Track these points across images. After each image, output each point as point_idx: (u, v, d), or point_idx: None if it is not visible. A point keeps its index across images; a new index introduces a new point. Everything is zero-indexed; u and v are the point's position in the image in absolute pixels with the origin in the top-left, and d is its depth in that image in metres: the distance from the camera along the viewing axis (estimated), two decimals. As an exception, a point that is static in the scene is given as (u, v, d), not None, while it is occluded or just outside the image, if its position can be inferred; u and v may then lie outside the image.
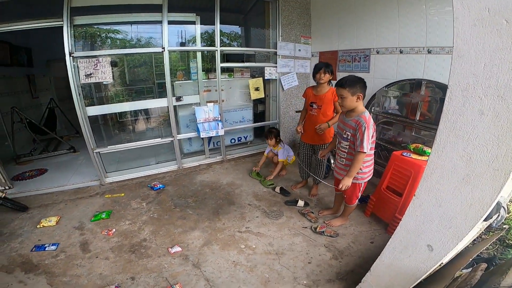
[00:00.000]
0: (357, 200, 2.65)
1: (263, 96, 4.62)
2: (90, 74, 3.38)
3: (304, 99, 3.27)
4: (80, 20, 3.35)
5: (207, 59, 4.39)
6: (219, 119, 4.13)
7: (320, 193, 3.51)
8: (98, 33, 4.13)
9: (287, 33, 4.54)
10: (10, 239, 2.70)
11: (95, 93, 4.29)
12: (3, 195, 2.88)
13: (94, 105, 3.81)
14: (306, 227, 2.80)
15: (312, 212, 3.02)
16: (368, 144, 2.22)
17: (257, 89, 4.45)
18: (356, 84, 2.21)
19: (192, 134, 4.20)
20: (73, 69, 3.29)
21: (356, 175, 2.37)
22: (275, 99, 4.72)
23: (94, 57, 3.38)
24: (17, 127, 5.00)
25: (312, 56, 4.81)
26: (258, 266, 2.32)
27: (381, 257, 1.75)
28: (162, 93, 4.80)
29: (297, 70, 4.74)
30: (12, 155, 4.75)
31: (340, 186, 2.34)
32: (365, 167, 2.42)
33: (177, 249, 2.52)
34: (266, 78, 4.52)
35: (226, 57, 4.29)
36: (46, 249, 2.55)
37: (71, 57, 3.25)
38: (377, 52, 3.66)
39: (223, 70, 4.27)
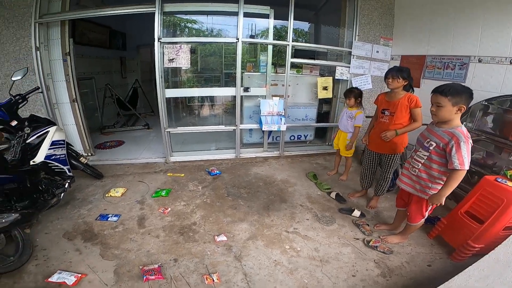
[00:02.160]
0: (422, 220, 2.23)
1: (330, 96, 4.19)
2: (173, 59, 3.46)
3: (376, 106, 2.83)
4: (169, 7, 3.42)
5: (276, 53, 4.14)
6: (283, 114, 3.86)
7: (380, 206, 3.04)
8: (180, 22, 4.23)
9: (365, 33, 4.04)
10: (81, 205, 2.84)
11: (171, 77, 4.43)
12: (86, 161, 3.08)
13: (169, 88, 3.87)
14: (357, 239, 2.46)
15: (368, 225, 2.64)
16: (468, 160, 1.77)
17: (325, 88, 4.04)
18: (461, 94, 1.77)
19: (254, 126, 4.02)
20: (159, 54, 3.41)
21: (427, 191, 2.03)
22: (343, 100, 4.23)
23: (177, 43, 3.45)
24: (107, 101, 5.53)
25: (392, 59, 4.21)
26: (299, 270, 2.09)
27: (449, 283, 1.55)
28: (228, 83, 4.79)
29: (372, 72, 4.19)
30: (98, 125, 5.23)
31: (430, 203, 2.03)
32: (441, 184, 1.99)
33: (222, 238, 2.40)
34: (336, 78, 4.09)
35: (296, 53, 3.98)
36: (109, 219, 2.61)
37: (159, 42, 3.36)
38: (479, 61, 2.99)
39: (292, 65, 3.99)
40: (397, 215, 2.59)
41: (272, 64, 3.93)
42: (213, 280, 1.96)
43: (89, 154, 3.99)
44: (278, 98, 3.85)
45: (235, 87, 3.71)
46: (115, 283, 1.92)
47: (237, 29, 3.50)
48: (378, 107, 2.78)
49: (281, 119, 3.82)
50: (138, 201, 2.94)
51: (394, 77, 2.46)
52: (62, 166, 2.55)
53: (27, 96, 2.48)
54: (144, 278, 1.93)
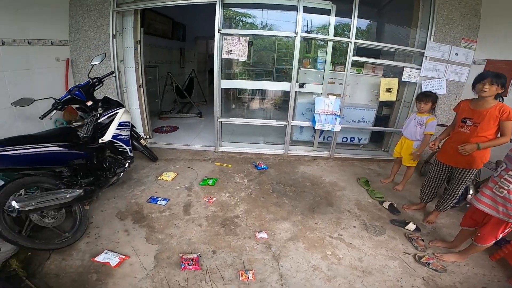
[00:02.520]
0: (493, 242, 1.98)
1: (394, 99, 3.81)
2: (231, 50, 3.48)
3: (455, 113, 2.45)
4: (229, -1, 3.44)
5: (336, 50, 3.89)
6: (338, 114, 3.62)
7: (439, 222, 2.71)
8: (239, 15, 4.21)
9: (442, 34, 3.56)
10: (135, 186, 3.01)
11: (226, 69, 4.47)
12: (145, 143, 3.28)
13: (224, 79, 3.91)
14: (408, 253, 2.25)
15: (422, 240, 2.39)
16: None
17: (388, 90, 3.68)
18: None
19: (305, 123, 3.86)
20: (218, 44, 3.44)
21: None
22: (408, 105, 3.84)
23: (235, 35, 3.45)
24: (167, 89, 5.86)
25: (474, 63, 3.64)
26: (338, 279, 1.97)
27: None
28: (280, 78, 4.69)
29: (447, 76, 3.68)
30: (157, 110, 5.57)
31: None
32: None
33: (263, 235, 2.33)
34: (402, 79, 3.69)
35: (357, 51, 3.67)
36: (158, 202, 2.72)
37: (219, 33, 3.39)
38: None
39: (352, 64, 3.68)
40: (460, 234, 2.31)
41: (330, 61, 3.70)
42: (248, 277, 1.91)
43: (148, 136, 4.27)
44: (335, 97, 3.62)
45: (290, 82, 3.60)
46: (154, 268, 1.97)
47: (296, 24, 3.37)
48: (458, 115, 2.40)
49: (336, 119, 3.60)
50: (186, 187, 3.03)
51: (492, 83, 2.06)
52: (125, 146, 2.73)
53: (103, 80, 2.67)
54: (182, 266, 1.95)
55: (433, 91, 3.18)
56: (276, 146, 4.04)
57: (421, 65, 3.63)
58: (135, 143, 3.10)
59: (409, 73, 3.66)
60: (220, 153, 3.94)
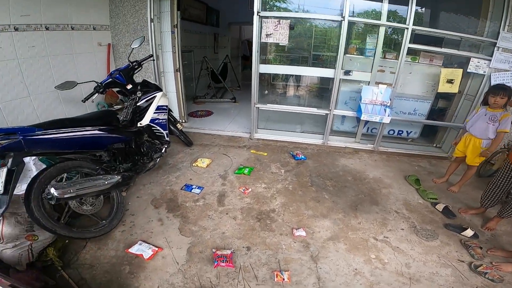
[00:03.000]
0: None
1: (455, 91, 3.28)
2: (270, 34, 3.20)
3: None
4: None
5: (388, 36, 3.42)
6: (388, 104, 3.21)
7: (499, 229, 2.33)
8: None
9: (518, 24, 2.97)
10: (170, 172, 2.92)
11: (262, 54, 4.18)
12: (181, 128, 3.18)
13: (261, 64, 3.64)
14: (462, 261, 1.98)
15: (480, 248, 2.08)
16: None
17: (450, 81, 3.16)
18: None
19: (349, 113, 3.50)
20: (257, 28, 3.19)
21: None
22: (471, 98, 3.31)
23: (275, 18, 3.15)
24: (202, 73, 5.73)
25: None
26: (382, 285, 1.76)
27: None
28: (319, 64, 4.26)
29: (524, 69, 3.09)
30: (192, 95, 5.49)
31: None
32: None
33: (301, 233, 2.12)
34: (468, 70, 3.16)
35: (414, 38, 3.18)
36: (192, 190, 2.60)
37: (258, 16, 3.12)
38: None
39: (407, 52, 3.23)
40: None
41: (381, 48, 3.26)
42: (283, 279, 1.73)
43: (184, 120, 4.19)
44: (385, 86, 3.19)
45: (334, 68, 3.24)
46: (186, 262, 1.85)
47: (344, 7, 2.99)
48: None
49: (385, 109, 3.19)
50: (221, 175, 2.89)
51: None
52: (162, 131, 2.62)
53: (142, 63, 2.57)
54: (215, 263, 1.81)
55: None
56: (314, 135, 3.73)
57: (491, 56, 3.09)
58: (171, 127, 2.99)
59: (477, 64, 3.11)
60: (255, 140, 3.74)
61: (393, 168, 3.26)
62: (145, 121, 2.42)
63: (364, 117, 3.18)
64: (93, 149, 2.04)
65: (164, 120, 2.64)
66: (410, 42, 3.08)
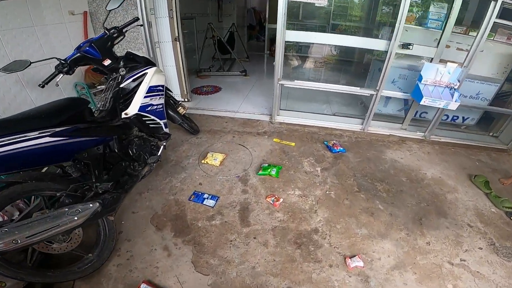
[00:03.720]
0: None
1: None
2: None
3: None
4: None
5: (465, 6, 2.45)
6: (456, 87, 2.33)
7: None
8: None
9: None
10: (173, 172, 2.13)
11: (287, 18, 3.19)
12: (184, 111, 2.27)
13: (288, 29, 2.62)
14: None
15: None
16: None
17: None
18: None
19: (400, 94, 2.60)
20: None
21: None
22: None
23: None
24: (207, 43, 4.67)
25: None
26: None
27: None
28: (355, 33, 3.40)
29: None
30: (195, 68, 4.48)
31: None
32: None
33: (357, 262, 1.51)
34: None
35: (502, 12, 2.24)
36: (205, 202, 1.85)
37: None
38: None
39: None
40: None
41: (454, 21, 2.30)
42: None
43: (186, 99, 3.30)
44: (455, 65, 2.28)
45: (389, 40, 2.32)
46: None
47: None
48: None
49: (453, 94, 2.32)
50: (240, 177, 2.11)
51: None
52: (158, 120, 1.77)
53: (124, 30, 1.64)
54: None
55: None
56: (351, 120, 2.87)
57: None
58: (171, 113, 2.12)
59: None
60: (277, 125, 2.88)
61: (452, 164, 2.47)
62: (133, 109, 1.56)
63: (425, 101, 2.29)
64: (50, 163, 1.22)
65: (160, 106, 1.77)
66: (497, 17, 2.13)
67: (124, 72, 1.58)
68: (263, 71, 4.94)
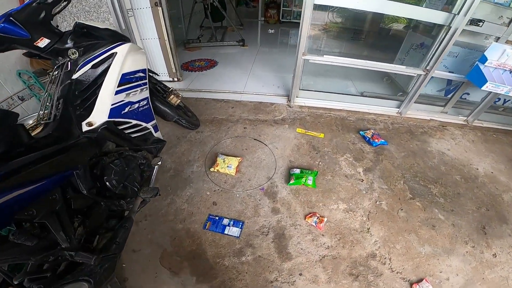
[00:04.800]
0: None
1: None
2: None
3: None
4: None
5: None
6: None
7: None
8: None
9: None
10: (175, 188, 1.47)
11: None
12: (178, 101, 1.48)
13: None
14: None
15: None
16: None
17: None
18: None
19: (454, 76, 1.95)
20: None
21: None
22: None
23: None
24: (196, 8, 3.59)
25: None
26: None
27: None
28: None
29: None
30: (182, 39, 3.52)
31: None
32: None
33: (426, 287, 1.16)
34: None
35: None
36: (226, 230, 1.27)
37: None
38: None
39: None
40: None
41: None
42: None
43: (175, 78, 2.49)
44: None
45: (453, 13, 1.63)
46: None
47: None
48: None
49: None
50: (265, 190, 1.49)
51: None
52: (144, 124, 1.08)
53: None
54: None
55: None
56: (385, 102, 2.22)
57: None
58: (160, 106, 1.35)
59: None
60: (297, 109, 2.19)
61: (498, 154, 1.96)
62: (99, 116, 0.86)
63: (488, 87, 1.68)
64: None
65: (145, 102, 1.06)
66: None
67: (76, 55, 0.84)
68: (262, 40, 4.05)
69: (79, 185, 0.79)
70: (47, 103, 0.81)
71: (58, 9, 0.85)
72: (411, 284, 1.17)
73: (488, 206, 1.56)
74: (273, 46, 3.81)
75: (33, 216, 0.67)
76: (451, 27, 1.66)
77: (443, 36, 1.73)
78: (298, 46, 1.79)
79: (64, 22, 1.82)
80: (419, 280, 1.18)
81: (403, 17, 2.76)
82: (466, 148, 1.98)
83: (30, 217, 0.67)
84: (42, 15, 0.80)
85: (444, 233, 1.40)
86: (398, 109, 2.14)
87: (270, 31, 4.62)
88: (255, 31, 4.65)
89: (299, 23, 1.71)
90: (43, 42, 0.80)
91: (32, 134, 0.76)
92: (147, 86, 1.07)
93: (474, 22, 1.63)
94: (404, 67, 1.86)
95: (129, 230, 0.92)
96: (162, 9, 2.05)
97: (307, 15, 1.65)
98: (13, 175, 0.64)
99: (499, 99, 2.29)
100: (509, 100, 2.32)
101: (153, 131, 1.16)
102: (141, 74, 1.01)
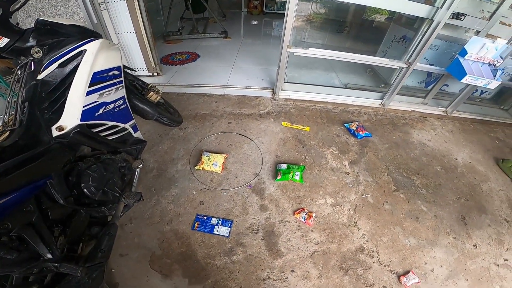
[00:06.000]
0: None
1: None
2: None
3: None
4: None
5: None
6: (499, 65, 1.79)
7: None
8: None
9: None
10: (159, 188, 1.43)
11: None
12: (158, 97, 1.36)
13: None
14: None
15: None
16: None
17: None
18: None
19: (435, 69, 2.00)
20: None
21: None
22: None
23: None
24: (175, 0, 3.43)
25: None
26: None
27: None
28: None
29: None
30: (162, 31, 3.37)
31: None
32: None
33: (412, 280, 1.21)
34: None
35: None
36: (215, 230, 1.25)
37: None
38: None
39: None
40: None
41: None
42: None
43: (155, 73, 2.38)
44: (504, 41, 1.71)
45: (435, 6, 1.66)
46: None
47: None
48: None
49: (494, 71, 1.79)
50: (252, 186, 1.48)
51: None
52: (121, 125, 1.01)
53: None
54: None
55: None
56: (368, 94, 2.26)
57: None
58: (139, 104, 1.26)
59: None
60: (282, 101, 2.18)
61: (476, 144, 2.07)
62: (70, 119, 0.78)
63: (467, 79, 1.74)
64: None
65: (121, 102, 0.99)
66: None
67: (40, 54, 0.76)
68: (245, 32, 3.95)
69: (54, 194, 0.74)
70: (12, 107, 0.74)
71: (17, 6, 0.77)
72: (399, 277, 1.21)
73: (467, 197, 1.65)
74: (256, 37, 3.74)
75: (8, 229, 0.63)
76: (433, 20, 1.69)
77: (425, 29, 1.77)
78: (282, 39, 1.75)
79: (29, 17, 1.67)
80: (406, 273, 1.23)
81: (385, 9, 2.80)
82: (446, 139, 2.07)
83: (5, 230, 0.62)
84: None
85: (427, 224, 1.46)
86: (381, 100, 2.19)
87: (254, 22, 4.53)
88: (238, 22, 4.54)
89: (283, 14, 1.67)
90: (1, 41, 0.72)
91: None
92: (123, 84, 1.00)
93: (456, 16, 1.67)
94: (387, 60, 1.88)
95: (114, 236, 0.88)
96: (138, 0, 1.92)
97: (292, 6, 1.60)
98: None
99: (477, 90, 2.40)
100: (486, 91, 2.44)
101: (132, 132, 1.10)
102: (116, 72, 0.94)
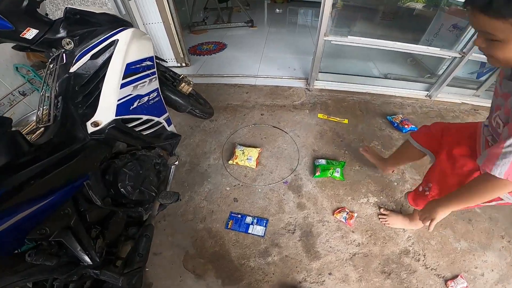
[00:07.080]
0: None
1: None
2: None
3: None
4: None
5: None
6: None
7: None
8: None
9: None
10: (192, 183, 1.35)
11: None
12: (190, 89, 1.28)
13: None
14: None
15: None
16: None
17: None
18: None
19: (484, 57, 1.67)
20: None
21: None
22: None
23: None
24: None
25: None
26: None
27: None
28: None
29: None
30: (187, 22, 3.23)
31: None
32: None
33: (460, 284, 1.08)
34: None
35: None
36: (250, 230, 1.16)
37: None
38: None
39: None
40: None
41: None
42: None
43: (183, 64, 2.31)
44: None
45: None
46: None
47: None
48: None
49: None
50: (289, 183, 1.36)
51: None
52: (156, 119, 0.94)
53: None
54: None
55: None
56: (412, 85, 1.99)
57: None
58: (171, 96, 1.17)
59: None
60: (316, 92, 1.99)
61: None
62: (105, 114, 0.71)
63: None
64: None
65: (155, 94, 0.91)
66: None
67: (72, 46, 0.69)
68: (270, 21, 3.72)
69: (91, 195, 0.67)
70: (45, 103, 0.68)
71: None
72: (446, 281, 1.08)
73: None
74: (282, 26, 3.50)
75: (47, 235, 0.57)
76: None
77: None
78: (319, 26, 1.56)
79: (58, 10, 1.64)
80: (454, 277, 1.10)
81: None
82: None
83: (43, 236, 0.57)
84: (25, 3, 0.64)
85: (480, 227, 1.27)
86: (427, 91, 1.92)
87: (278, 10, 4.27)
88: (261, 11, 4.29)
89: (309, 2, 1.48)
90: (30, 33, 0.65)
91: (32, 138, 0.64)
92: (156, 75, 0.92)
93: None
94: (438, 49, 1.60)
95: (151, 239, 0.82)
96: (166, -12, 1.83)
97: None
98: (17, 193, 0.53)
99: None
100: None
101: (166, 125, 1.03)
102: (149, 63, 0.85)
